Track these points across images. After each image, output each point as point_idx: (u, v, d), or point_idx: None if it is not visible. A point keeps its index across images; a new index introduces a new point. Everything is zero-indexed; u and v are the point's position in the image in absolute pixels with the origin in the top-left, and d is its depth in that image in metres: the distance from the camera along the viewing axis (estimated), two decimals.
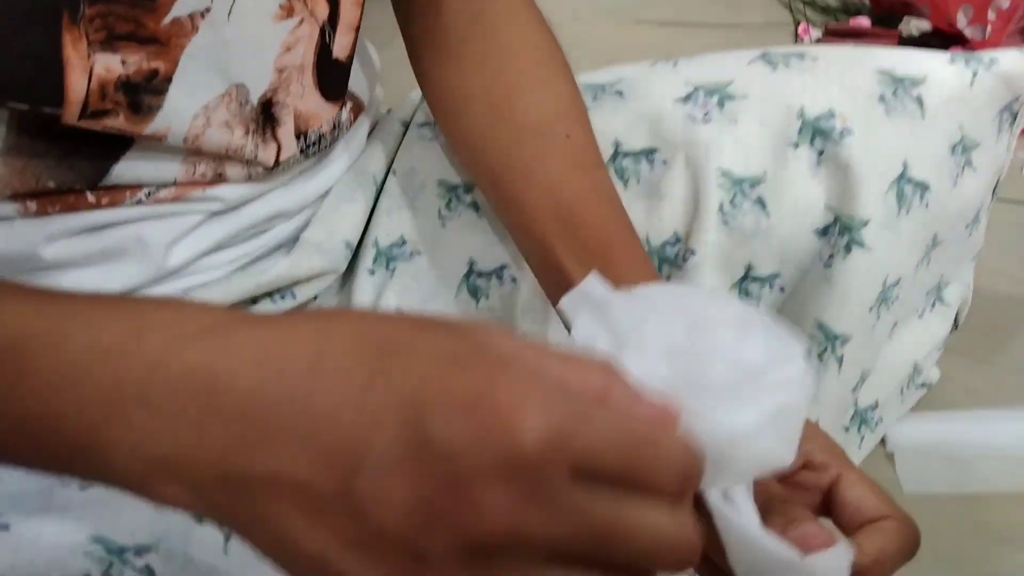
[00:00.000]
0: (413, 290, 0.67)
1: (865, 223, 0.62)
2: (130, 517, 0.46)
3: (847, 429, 0.78)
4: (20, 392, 0.28)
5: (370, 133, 0.72)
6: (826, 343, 0.64)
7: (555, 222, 0.54)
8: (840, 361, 0.65)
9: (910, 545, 0.39)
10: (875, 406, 0.79)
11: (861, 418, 0.79)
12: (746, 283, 0.65)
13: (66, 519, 0.45)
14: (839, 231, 0.63)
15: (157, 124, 0.50)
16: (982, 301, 0.98)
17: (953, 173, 0.66)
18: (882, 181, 0.62)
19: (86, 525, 0.45)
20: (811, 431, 0.40)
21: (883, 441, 0.82)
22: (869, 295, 0.65)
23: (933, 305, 0.81)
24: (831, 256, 0.63)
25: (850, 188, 0.62)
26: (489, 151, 0.58)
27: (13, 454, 0.30)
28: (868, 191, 0.62)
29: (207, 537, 0.49)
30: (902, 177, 0.63)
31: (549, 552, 0.24)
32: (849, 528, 0.40)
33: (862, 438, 0.79)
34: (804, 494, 0.42)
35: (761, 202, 0.63)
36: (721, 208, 0.62)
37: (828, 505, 0.43)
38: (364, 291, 0.69)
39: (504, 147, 0.57)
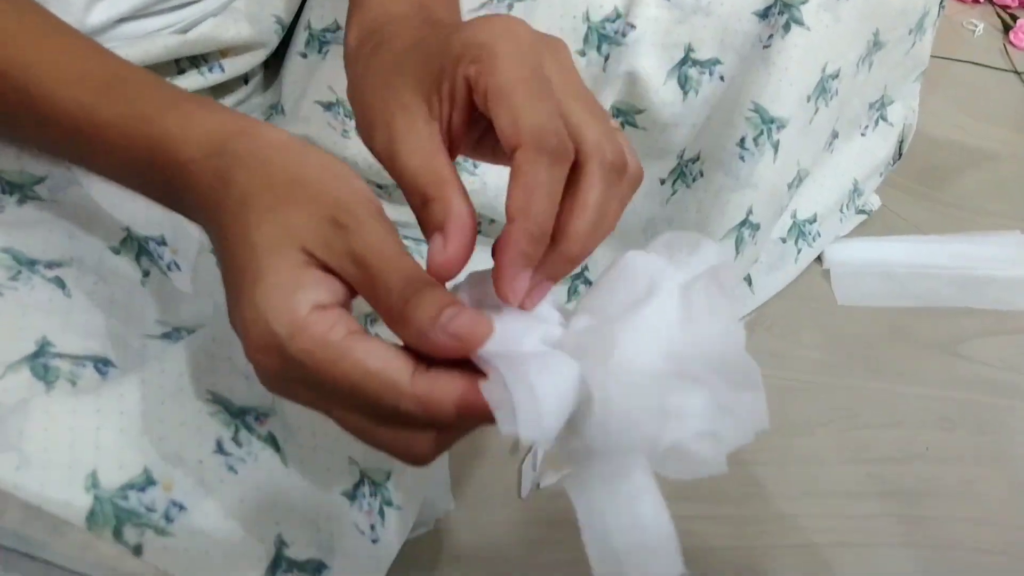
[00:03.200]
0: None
1: (804, 1, 0.62)
2: (43, 238, 0.45)
3: (784, 240, 0.79)
4: (82, 154, 0.38)
5: None
6: (762, 126, 0.64)
7: None
8: (776, 147, 0.65)
9: (550, 167, 0.31)
10: (813, 220, 0.80)
11: (799, 230, 0.79)
12: (686, 67, 0.64)
13: None
14: (779, 10, 0.62)
15: None
16: (926, 143, 0.99)
17: None
18: None
19: None
20: (466, 28, 0.33)
21: (820, 260, 0.83)
22: (807, 80, 0.64)
23: (876, 123, 0.82)
24: (770, 36, 0.63)
25: None
26: None
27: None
28: None
29: (121, 266, 0.48)
30: None
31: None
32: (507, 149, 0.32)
33: (799, 251, 0.79)
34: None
35: None
36: None
37: None
38: (295, 75, 0.67)
39: None
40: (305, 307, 0.30)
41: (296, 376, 0.30)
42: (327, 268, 0.31)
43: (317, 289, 0.30)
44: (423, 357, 0.31)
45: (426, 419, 0.30)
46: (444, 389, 0.30)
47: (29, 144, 0.43)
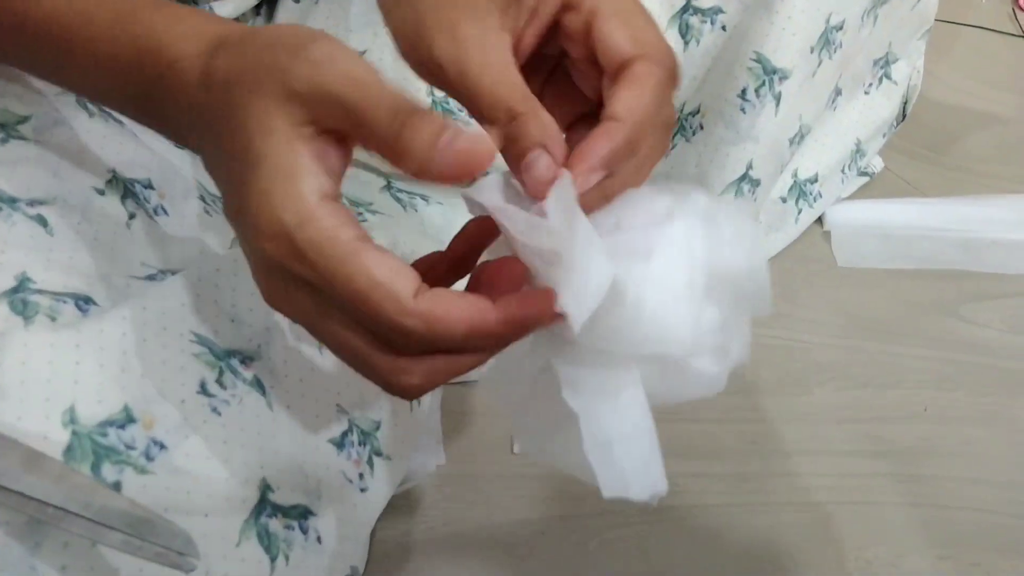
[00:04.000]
0: (340, 18, 0.64)
1: None
2: (26, 176, 0.44)
3: (784, 200, 0.77)
4: (70, 66, 0.36)
5: None
6: (764, 77, 0.63)
7: None
8: (778, 99, 0.64)
9: (664, 81, 0.32)
10: (815, 179, 0.78)
11: (800, 190, 0.78)
12: (687, 15, 0.63)
13: None
14: None
15: None
16: (931, 108, 0.98)
17: None
18: None
19: None
20: None
21: (821, 222, 0.82)
22: (811, 30, 0.63)
23: (880, 81, 0.80)
24: None
25: None
26: None
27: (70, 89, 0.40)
28: None
29: (107, 207, 0.47)
30: None
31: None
32: (609, 75, 0.33)
33: (799, 211, 0.78)
34: (574, 46, 0.35)
35: None
36: None
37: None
38: (288, 20, 0.66)
39: None
40: (313, 196, 0.29)
41: (298, 272, 0.29)
42: (322, 127, 0.29)
43: (318, 175, 0.29)
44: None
45: (429, 337, 0.29)
46: (451, 306, 0.29)
47: (11, 57, 0.40)
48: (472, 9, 0.32)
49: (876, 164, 0.87)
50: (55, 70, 0.38)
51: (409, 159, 0.28)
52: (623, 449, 0.30)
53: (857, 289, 0.76)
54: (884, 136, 0.85)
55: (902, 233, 0.81)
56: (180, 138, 0.34)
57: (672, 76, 0.33)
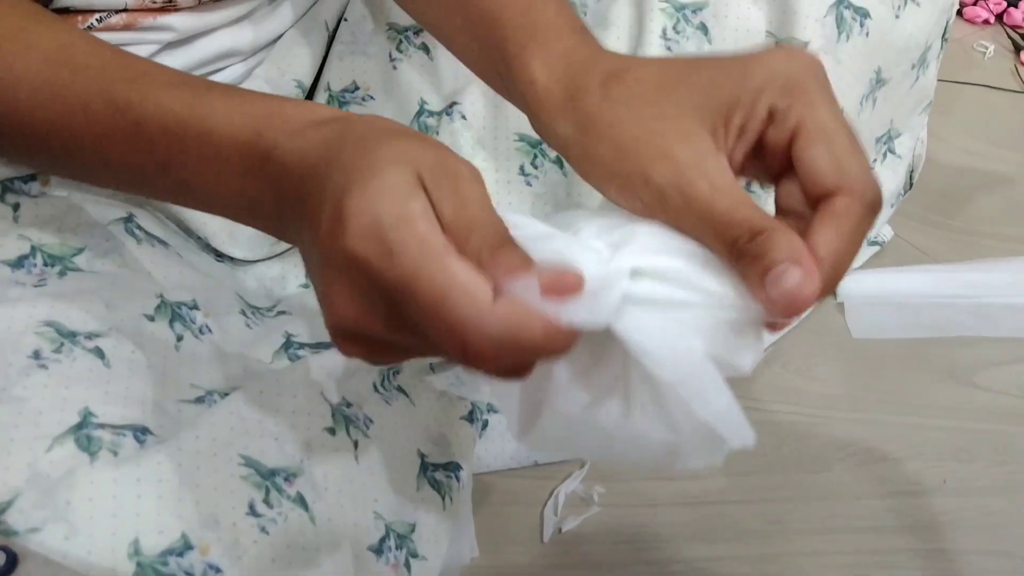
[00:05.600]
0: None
1: (804, 45, 0.63)
2: (83, 309, 0.47)
3: None
4: (179, 161, 0.38)
5: None
6: None
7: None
8: None
9: (864, 217, 0.32)
10: None
11: None
12: None
13: (19, 306, 0.46)
14: None
15: None
16: (939, 170, 1.00)
17: (895, 3, 0.67)
18: (821, 5, 0.63)
19: (39, 313, 0.46)
20: (768, 60, 0.33)
21: (834, 294, 0.84)
22: None
23: (884, 156, 0.83)
24: None
25: (790, 11, 0.63)
26: None
27: (163, 194, 0.43)
28: (807, 14, 0.63)
29: (157, 332, 0.50)
30: (841, 2, 0.64)
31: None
32: (810, 199, 0.33)
33: None
34: (774, 159, 0.34)
35: (704, 27, 0.64)
36: (664, 34, 0.63)
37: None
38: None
39: None
40: (417, 208, 0.30)
41: (379, 272, 0.29)
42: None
43: (427, 204, 0.30)
44: None
45: (510, 341, 0.29)
46: (530, 311, 0.29)
47: (117, 169, 0.42)
48: (683, 134, 0.33)
49: (886, 233, 0.89)
50: (159, 171, 0.40)
51: (495, 269, 0.29)
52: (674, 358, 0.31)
53: (873, 360, 0.78)
54: (892, 206, 0.87)
55: (915, 302, 0.83)
56: (288, 207, 0.35)
57: (873, 210, 0.33)
